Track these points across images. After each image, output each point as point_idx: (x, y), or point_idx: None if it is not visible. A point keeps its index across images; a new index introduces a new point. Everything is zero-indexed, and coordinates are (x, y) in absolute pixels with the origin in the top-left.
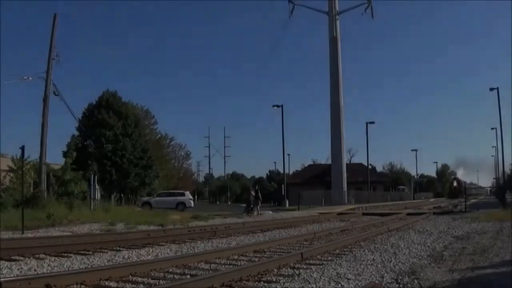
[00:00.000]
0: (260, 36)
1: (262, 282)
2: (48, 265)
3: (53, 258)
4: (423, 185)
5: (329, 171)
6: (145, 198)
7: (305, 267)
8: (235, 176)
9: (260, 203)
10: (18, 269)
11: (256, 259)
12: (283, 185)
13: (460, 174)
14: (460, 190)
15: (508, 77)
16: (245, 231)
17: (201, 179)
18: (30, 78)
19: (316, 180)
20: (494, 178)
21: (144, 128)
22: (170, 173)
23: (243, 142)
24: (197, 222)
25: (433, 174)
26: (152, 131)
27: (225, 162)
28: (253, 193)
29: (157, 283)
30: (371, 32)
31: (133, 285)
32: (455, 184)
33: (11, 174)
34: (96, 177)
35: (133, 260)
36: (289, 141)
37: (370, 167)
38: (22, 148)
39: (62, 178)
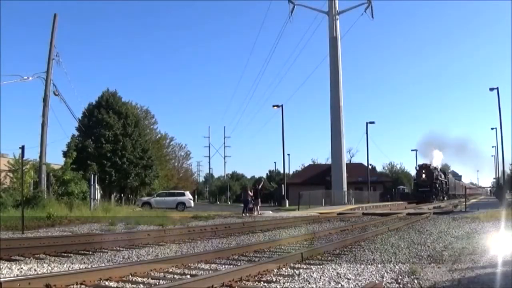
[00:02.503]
0: (260, 36)
1: (262, 282)
2: (48, 265)
3: (53, 258)
4: None
5: (329, 171)
6: (145, 198)
7: (305, 267)
8: (235, 176)
9: (260, 202)
10: (18, 269)
11: (256, 259)
12: (283, 185)
13: (434, 161)
14: (433, 186)
15: (508, 77)
16: (245, 231)
17: (201, 179)
18: (30, 78)
19: (316, 180)
20: (494, 178)
21: (144, 128)
22: (170, 173)
23: (243, 142)
24: (197, 222)
25: None
26: (152, 131)
27: (225, 162)
28: (250, 192)
29: (157, 283)
30: (371, 32)
31: (133, 285)
32: (423, 176)
33: (11, 174)
34: (96, 177)
35: (133, 260)
36: (289, 141)
37: (370, 167)
38: (22, 148)
39: (62, 178)
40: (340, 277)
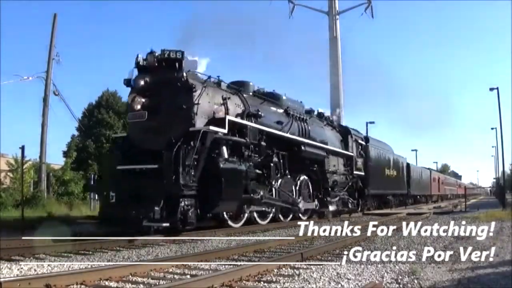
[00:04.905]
0: (260, 36)
1: (262, 282)
2: (48, 265)
3: (53, 258)
4: None
5: None
6: None
7: (305, 267)
8: None
9: None
10: (18, 269)
11: (256, 259)
12: None
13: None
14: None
15: (508, 77)
16: (245, 231)
17: None
18: (30, 78)
19: None
20: (494, 178)
21: None
22: None
23: None
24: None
25: None
26: None
27: None
28: None
29: (157, 283)
30: (371, 32)
31: (133, 285)
32: (137, 106)
33: (11, 174)
34: (96, 177)
35: (133, 260)
36: None
37: None
38: (22, 148)
39: (62, 178)
40: (340, 277)
